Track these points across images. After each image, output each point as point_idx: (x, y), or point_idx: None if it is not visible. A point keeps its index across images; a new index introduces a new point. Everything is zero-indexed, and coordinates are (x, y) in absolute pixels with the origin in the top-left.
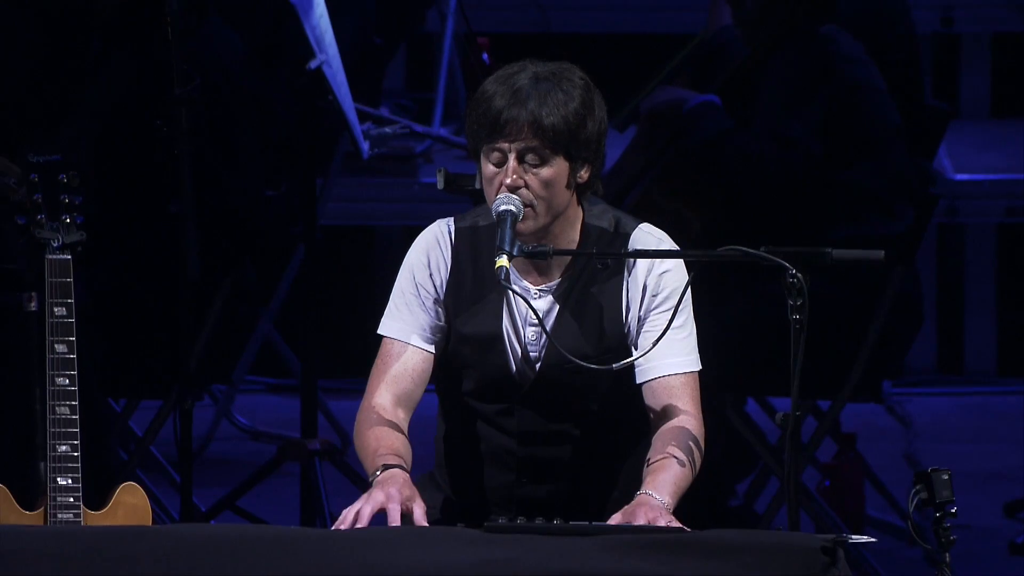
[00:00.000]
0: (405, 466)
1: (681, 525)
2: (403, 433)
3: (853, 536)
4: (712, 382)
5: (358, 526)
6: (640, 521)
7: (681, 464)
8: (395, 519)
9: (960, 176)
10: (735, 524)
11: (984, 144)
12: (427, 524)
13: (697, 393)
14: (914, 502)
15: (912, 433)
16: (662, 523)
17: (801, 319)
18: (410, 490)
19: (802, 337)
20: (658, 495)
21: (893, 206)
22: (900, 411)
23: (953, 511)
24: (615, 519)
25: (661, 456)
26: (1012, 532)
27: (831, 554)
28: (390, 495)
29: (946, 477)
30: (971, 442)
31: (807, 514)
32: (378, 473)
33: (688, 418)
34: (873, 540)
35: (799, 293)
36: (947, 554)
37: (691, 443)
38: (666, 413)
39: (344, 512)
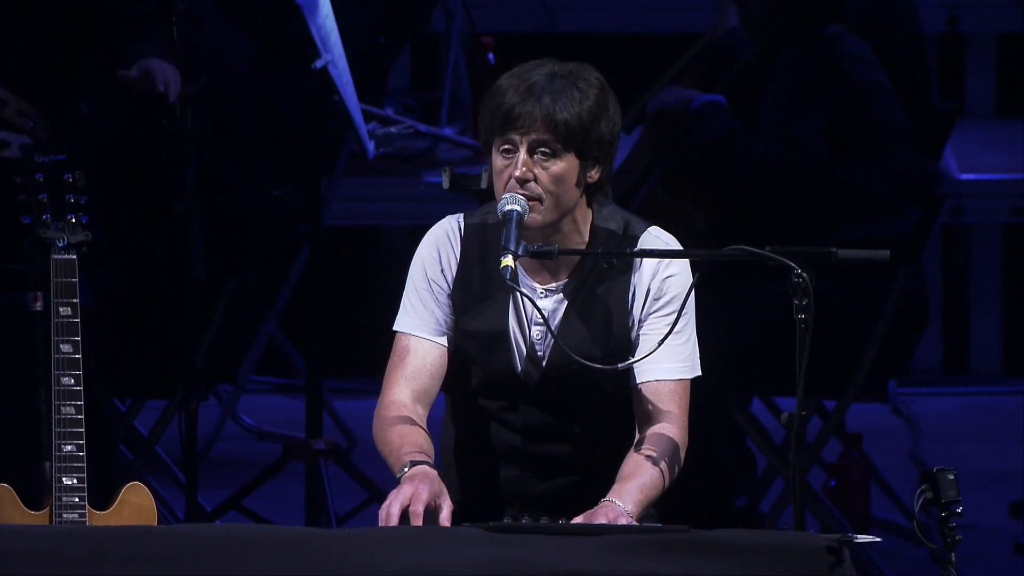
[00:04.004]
0: (431, 462)
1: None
2: (423, 428)
3: (858, 536)
4: (717, 382)
5: (390, 524)
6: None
7: (652, 472)
8: (417, 522)
9: (965, 176)
10: (740, 524)
11: (989, 144)
12: (449, 525)
13: (686, 400)
14: (919, 502)
15: (917, 433)
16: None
17: (806, 319)
18: (439, 487)
19: (807, 337)
20: (621, 503)
21: (898, 206)
22: (906, 411)
23: (959, 511)
24: (576, 521)
25: (634, 463)
26: (1017, 532)
27: (836, 554)
28: (418, 493)
29: (951, 477)
30: (976, 442)
31: (812, 514)
32: (406, 469)
33: (671, 425)
34: (878, 540)
35: (804, 293)
36: (952, 554)
37: (669, 451)
38: (650, 418)
39: (380, 512)
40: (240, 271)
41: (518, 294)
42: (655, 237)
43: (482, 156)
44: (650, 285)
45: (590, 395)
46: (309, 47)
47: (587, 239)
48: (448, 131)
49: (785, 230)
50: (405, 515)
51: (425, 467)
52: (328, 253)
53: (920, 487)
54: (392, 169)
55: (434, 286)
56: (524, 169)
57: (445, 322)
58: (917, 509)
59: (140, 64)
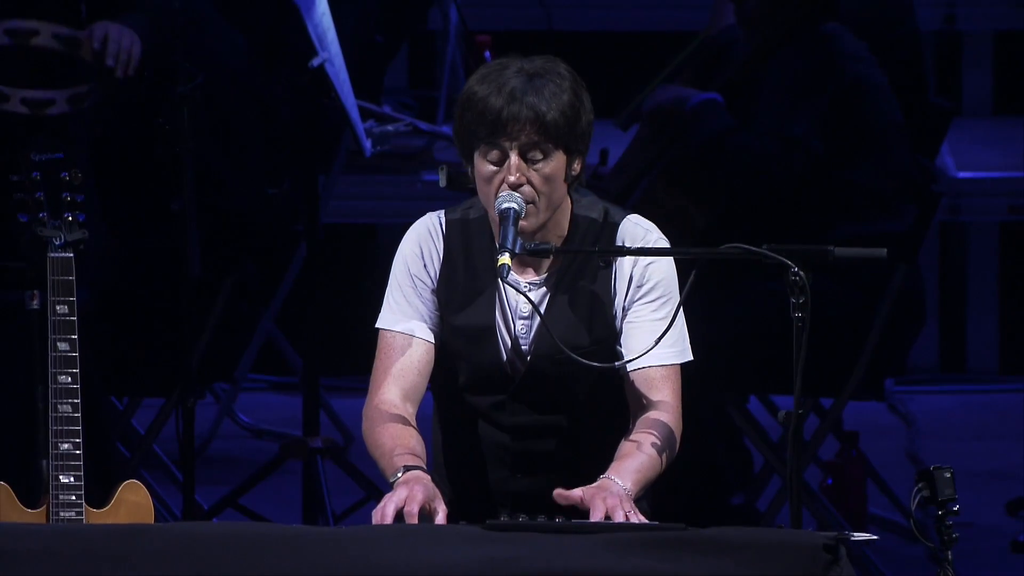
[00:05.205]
0: (424, 466)
1: (641, 516)
2: (414, 428)
3: (855, 534)
4: (715, 380)
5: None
6: (599, 507)
7: (649, 454)
8: (412, 523)
9: (962, 174)
10: (737, 522)
11: (986, 142)
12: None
13: (678, 385)
14: (916, 500)
15: (914, 431)
16: (620, 512)
17: (803, 317)
18: (434, 491)
19: (804, 335)
20: (620, 480)
21: (895, 204)
22: (902, 409)
23: (955, 509)
24: (575, 493)
25: (631, 444)
26: (1014, 530)
27: (833, 552)
28: (412, 495)
29: (948, 475)
30: (973, 440)
31: (809, 512)
32: (399, 474)
33: (665, 411)
34: (875, 538)
35: (801, 291)
36: (949, 552)
37: (664, 435)
38: (644, 404)
39: (374, 514)
40: (237, 269)
41: (508, 289)
42: (634, 224)
43: None
44: (632, 273)
45: (576, 387)
46: (306, 45)
47: (567, 229)
48: (445, 129)
49: (782, 228)
50: (400, 518)
51: (418, 472)
52: (325, 251)
53: (917, 485)
54: (389, 167)
55: (417, 282)
56: (519, 175)
57: (430, 318)
58: (914, 507)
59: (96, 28)
